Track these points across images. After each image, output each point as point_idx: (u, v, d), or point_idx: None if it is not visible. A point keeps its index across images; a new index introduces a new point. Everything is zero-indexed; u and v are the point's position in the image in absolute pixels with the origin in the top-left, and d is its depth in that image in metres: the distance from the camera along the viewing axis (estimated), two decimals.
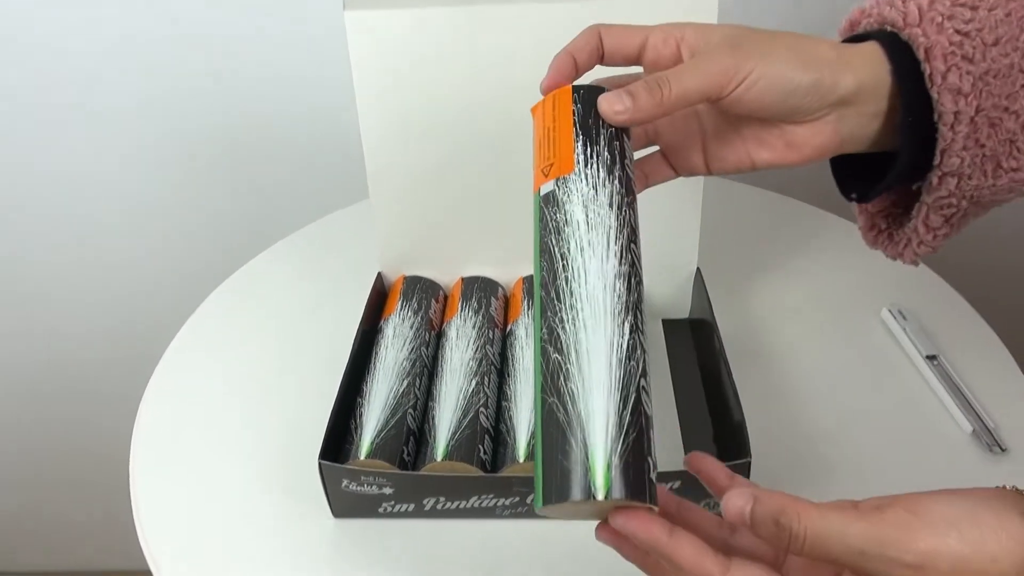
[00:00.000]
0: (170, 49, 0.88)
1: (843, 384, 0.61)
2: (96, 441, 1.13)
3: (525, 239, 0.66)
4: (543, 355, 0.35)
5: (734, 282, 0.70)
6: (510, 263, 0.67)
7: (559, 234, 0.37)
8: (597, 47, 0.41)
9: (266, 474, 0.56)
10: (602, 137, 0.39)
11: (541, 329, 0.36)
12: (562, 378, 0.34)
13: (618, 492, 0.32)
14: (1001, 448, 0.55)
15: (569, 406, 0.34)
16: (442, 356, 0.59)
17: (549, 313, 0.36)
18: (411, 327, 0.61)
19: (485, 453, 0.52)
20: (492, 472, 0.52)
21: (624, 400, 0.33)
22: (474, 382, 0.56)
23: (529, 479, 0.50)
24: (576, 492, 0.32)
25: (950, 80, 0.39)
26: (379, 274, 0.67)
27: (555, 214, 0.38)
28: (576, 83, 0.40)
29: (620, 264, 0.36)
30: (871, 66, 0.40)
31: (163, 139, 0.93)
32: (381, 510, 0.52)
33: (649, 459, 0.33)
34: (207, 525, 0.53)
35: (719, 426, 0.57)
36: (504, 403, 0.56)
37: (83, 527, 1.26)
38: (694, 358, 0.64)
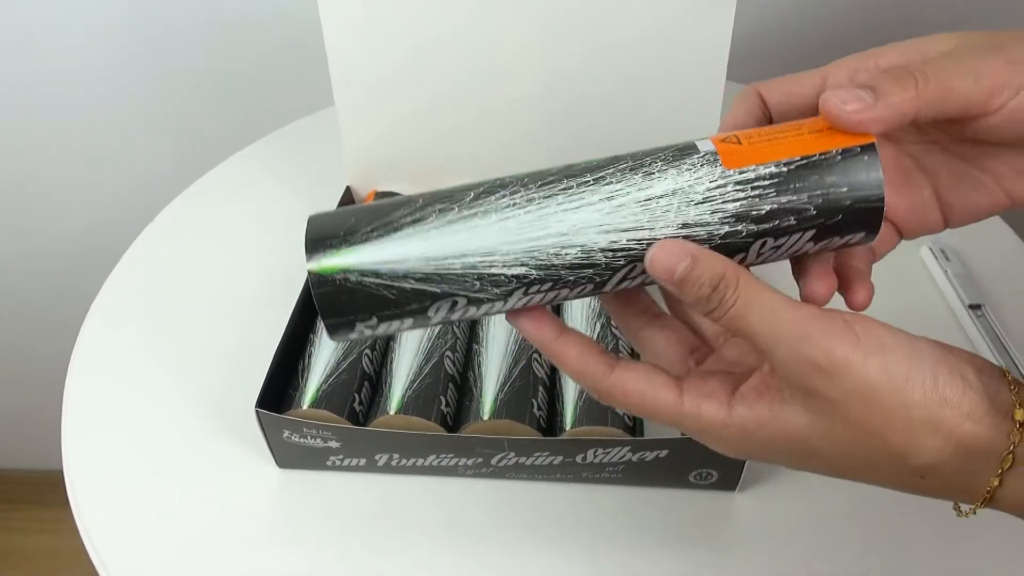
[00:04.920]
0: None
1: None
2: (41, 353, 1.08)
3: (516, 156, 0.58)
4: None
5: None
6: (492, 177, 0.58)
7: (633, 170, 0.29)
8: (760, 111, 0.33)
9: (210, 415, 0.50)
10: (790, 196, 0.29)
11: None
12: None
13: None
14: None
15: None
16: None
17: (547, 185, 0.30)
18: None
19: (447, 405, 0.45)
20: (455, 427, 0.45)
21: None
22: None
23: (493, 440, 0.43)
24: None
25: None
26: (347, 188, 0.59)
27: (663, 163, 0.29)
28: (875, 143, 0.29)
29: (603, 252, 0.29)
30: None
31: (115, 41, 0.82)
32: (329, 463, 0.46)
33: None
34: (142, 477, 0.48)
35: None
36: (475, 346, 0.49)
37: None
38: None
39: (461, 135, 0.57)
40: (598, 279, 0.29)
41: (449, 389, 0.46)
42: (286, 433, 0.44)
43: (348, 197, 0.59)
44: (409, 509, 0.45)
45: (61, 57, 0.83)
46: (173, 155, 0.90)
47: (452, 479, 0.46)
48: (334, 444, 0.45)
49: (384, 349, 0.49)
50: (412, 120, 0.56)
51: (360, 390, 0.46)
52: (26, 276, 1.03)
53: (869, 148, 0.28)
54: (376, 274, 0.29)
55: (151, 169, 0.91)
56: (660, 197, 0.29)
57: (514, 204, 0.29)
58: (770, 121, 0.33)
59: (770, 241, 0.29)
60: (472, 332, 0.50)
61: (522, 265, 0.29)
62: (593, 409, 0.44)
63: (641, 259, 0.29)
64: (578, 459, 0.43)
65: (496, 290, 0.29)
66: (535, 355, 0.47)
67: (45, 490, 1.23)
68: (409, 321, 0.30)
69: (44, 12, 0.81)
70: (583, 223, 0.29)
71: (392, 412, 0.44)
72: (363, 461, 0.46)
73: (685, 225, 0.29)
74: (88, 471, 0.48)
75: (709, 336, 0.34)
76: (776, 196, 0.28)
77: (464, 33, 0.51)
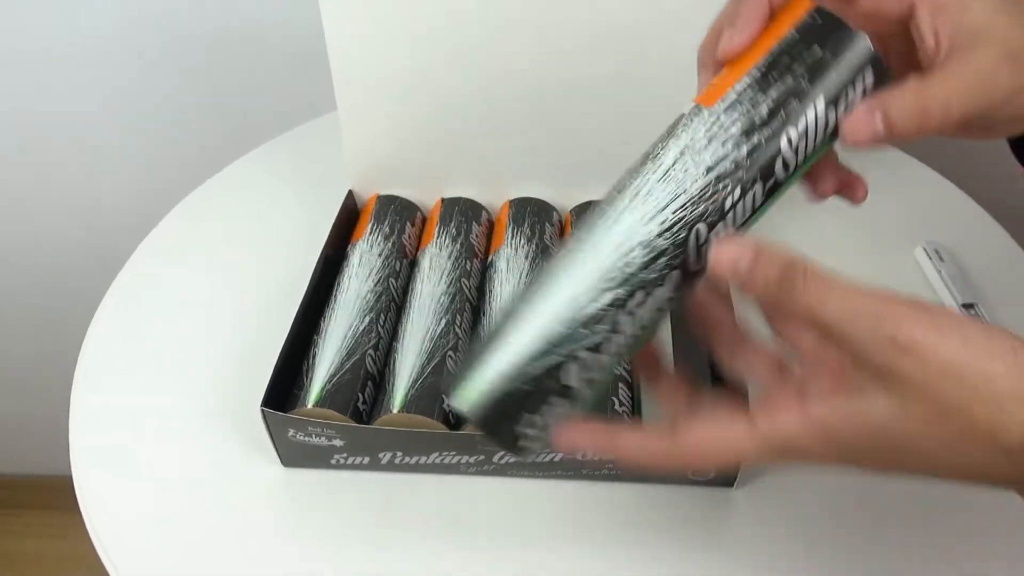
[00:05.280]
0: None
1: None
2: (46, 357, 1.08)
3: (514, 155, 0.59)
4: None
5: None
6: (497, 183, 0.59)
7: (643, 162, 0.31)
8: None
9: (216, 414, 0.51)
10: (776, 87, 0.30)
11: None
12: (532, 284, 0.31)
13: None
14: None
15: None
16: (412, 289, 0.53)
17: (583, 218, 0.32)
18: (380, 254, 0.55)
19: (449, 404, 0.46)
20: (457, 425, 0.46)
21: (548, 350, 0.30)
22: (444, 321, 0.50)
23: None
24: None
25: None
26: (350, 192, 0.60)
27: (659, 141, 0.31)
28: (819, 3, 0.30)
29: (659, 236, 0.30)
30: None
31: (118, 45, 0.83)
32: (333, 461, 0.47)
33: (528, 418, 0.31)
34: (149, 475, 0.49)
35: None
36: None
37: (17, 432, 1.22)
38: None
39: (461, 139, 0.57)
40: (677, 262, 0.30)
41: None
42: (291, 432, 0.45)
43: (350, 200, 0.60)
44: (413, 507, 0.46)
45: (64, 63, 0.84)
46: (176, 160, 0.91)
47: (455, 476, 0.47)
48: (338, 442, 0.45)
49: (387, 349, 0.50)
50: (413, 124, 0.57)
51: (364, 389, 0.47)
52: (31, 281, 1.04)
53: (815, 10, 0.29)
54: (504, 378, 0.30)
55: (155, 175, 0.92)
56: (673, 164, 0.30)
57: (569, 250, 0.31)
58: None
59: (793, 133, 0.30)
60: (474, 332, 0.51)
61: (606, 291, 0.30)
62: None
63: (695, 223, 0.29)
64: (578, 455, 0.44)
65: (602, 326, 0.30)
66: None
67: (50, 494, 1.23)
68: (557, 400, 0.31)
69: (48, 19, 0.82)
70: (629, 226, 0.30)
71: (395, 410, 0.45)
72: (367, 459, 0.47)
73: (709, 169, 0.30)
74: (96, 473, 0.49)
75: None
76: (766, 94, 0.29)
77: (464, 40, 0.52)
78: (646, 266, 0.30)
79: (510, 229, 0.56)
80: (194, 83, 0.85)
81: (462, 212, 0.58)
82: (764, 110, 0.29)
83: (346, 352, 0.48)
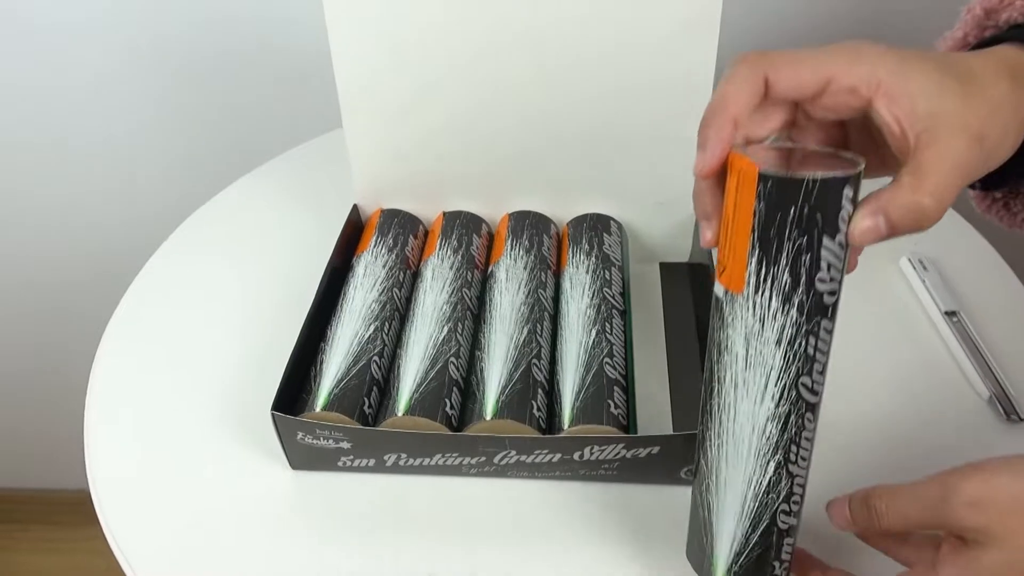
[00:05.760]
0: None
1: (851, 339, 0.56)
2: (57, 372, 1.10)
3: (513, 171, 0.61)
4: (700, 447, 0.38)
5: None
6: (496, 197, 0.62)
7: (719, 354, 0.35)
8: (760, 91, 0.33)
9: (225, 420, 0.53)
10: (784, 254, 0.32)
11: (700, 421, 0.38)
12: (705, 484, 0.38)
13: None
14: (1020, 417, 0.51)
15: (705, 512, 0.38)
16: (415, 299, 0.55)
17: (705, 418, 0.37)
18: (384, 265, 0.57)
19: (452, 408, 0.48)
20: (459, 428, 0.48)
21: (754, 526, 0.37)
22: (446, 328, 0.52)
23: (495, 438, 0.46)
24: None
25: None
26: (355, 206, 0.62)
27: (719, 328, 0.35)
28: (764, 170, 0.31)
29: (778, 406, 0.34)
30: None
31: (135, 64, 0.86)
32: (340, 464, 0.49)
33: (774, 564, 0.38)
34: (162, 481, 0.50)
35: None
36: (477, 353, 0.51)
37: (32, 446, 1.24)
38: (691, 305, 0.59)
39: (462, 155, 0.60)
40: (803, 410, 0.35)
41: (454, 393, 0.49)
42: (300, 435, 0.47)
43: (355, 215, 0.62)
44: (416, 508, 0.48)
45: (78, 81, 0.87)
46: (187, 175, 0.93)
47: (457, 478, 0.49)
48: (345, 445, 0.47)
49: (392, 356, 0.52)
50: (415, 142, 0.59)
51: (369, 394, 0.49)
52: (41, 297, 1.06)
53: (765, 181, 0.31)
54: (742, 556, 0.38)
55: (168, 189, 0.94)
56: (747, 353, 0.34)
57: (714, 446, 0.37)
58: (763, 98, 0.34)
59: (822, 274, 0.32)
60: (475, 339, 0.53)
61: (768, 463, 0.36)
62: (589, 409, 0.47)
63: (797, 379, 0.34)
64: (575, 456, 0.46)
65: (781, 483, 0.36)
66: (534, 360, 0.50)
67: (56, 509, 1.25)
68: (787, 540, 0.38)
69: (58, 38, 0.84)
70: (748, 411, 0.35)
71: (400, 414, 0.47)
72: (372, 462, 0.48)
73: (778, 342, 0.33)
74: (112, 476, 0.50)
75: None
76: (780, 267, 0.32)
77: (464, 62, 0.55)
78: (784, 429, 0.35)
79: (509, 241, 0.58)
80: (207, 102, 0.88)
81: (463, 225, 0.60)
82: (787, 278, 0.32)
83: (352, 359, 0.50)
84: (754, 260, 0.32)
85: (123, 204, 0.97)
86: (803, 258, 0.32)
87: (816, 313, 0.33)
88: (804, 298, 0.32)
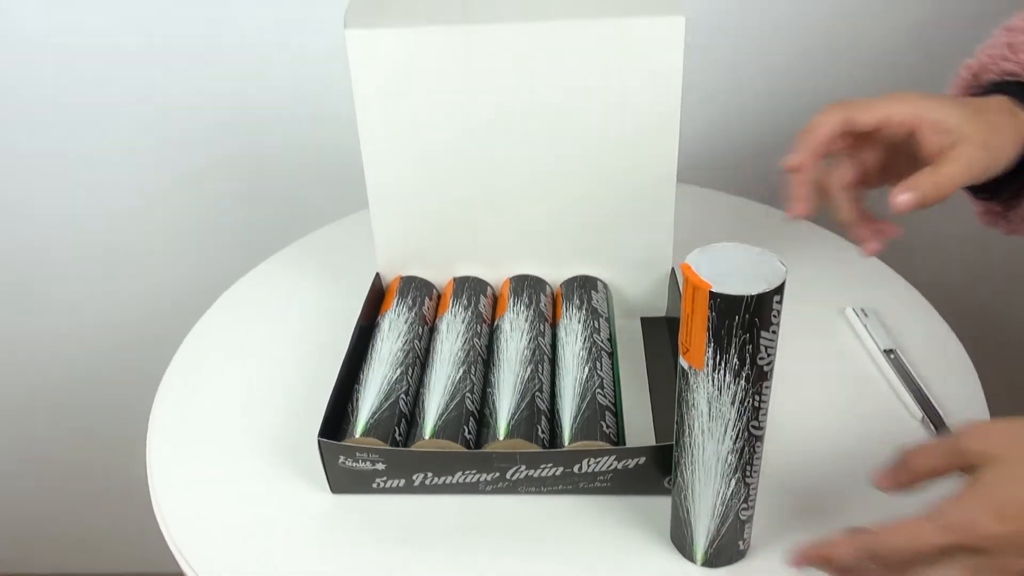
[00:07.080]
0: (177, 58, 0.94)
1: (807, 373, 0.66)
2: (105, 446, 1.19)
3: (513, 243, 0.72)
4: (677, 467, 0.49)
5: None
6: (499, 265, 0.72)
7: (688, 409, 0.46)
8: (841, 124, 0.52)
9: (272, 456, 0.61)
10: (733, 346, 0.42)
11: (675, 448, 0.49)
12: (683, 494, 0.49)
13: (711, 565, 0.51)
14: (948, 432, 0.60)
15: (684, 513, 0.50)
16: (433, 348, 0.65)
17: (679, 449, 0.48)
18: (406, 322, 0.66)
19: (469, 433, 0.57)
20: (476, 446, 0.57)
21: (723, 521, 0.49)
22: (461, 370, 0.61)
23: (507, 454, 0.55)
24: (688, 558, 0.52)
25: None
26: (377, 275, 0.72)
27: (686, 392, 0.46)
28: (714, 289, 0.41)
29: (734, 443, 0.45)
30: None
31: (168, 153, 0.99)
32: (374, 485, 0.57)
33: (739, 543, 0.50)
34: (220, 506, 0.58)
35: None
36: (488, 389, 0.61)
37: (97, 531, 1.31)
38: (670, 355, 0.69)
39: (468, 230, 0.70)
40: (755, 440, 0.46)
41: (470, 421, 0.58)
42: (341, 459, 0.56)
43: (378, 282, 0.72)
44: (442, 523, 0.56)
45: (121, 166, 0.99)
46: (227, 252, 1.05)
47: (474, 496, 0.57)
48: (380, 466, 0.56)
49: (415, 394, 0.61)
50: (430, 222, 0.70)
51: (399, 424, 0.58)
52: (88, 368, 1.15)
53: (714, 298, 0.41)
54: (711, 543, 0.50)
55: (210, 266, 1.05)
56: (710, 410, 0.44)
57: (688, 473, 0.48)
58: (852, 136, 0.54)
59: (764, 357, 0.43)
60: (486, 379, 0.62)
61: (730, 479, 0.47)
62: (586, 428, 0.56)
63: (750, 422, 0.45)
64: (575, 468, 0.55)
65: (741, 487, 0.48)
66: (537, 392, 0.59)
67: None
68: (744, 516, 0.49)
69: (103, 118, 0.96)
70: (713, 450, 0.46)
71: (427, 437, 0.56)
72: (402, 482, 0.57)
73: (731, 403, 0.44)
74: (178, 514, 0.58)
75: None
76: (729, 354, 0.42)
77: (470, 149, 0.66)
78: (740, 457, 0.46)
79: (511, 300, 0.68)
80: (241, 193, 1.00)
81: (471, 288, 0.70)
82: (735, 361, 0.43)
83: (384, 396, 0.59)
84: (710, 350, 0.43)
85: (158, 285, 1.08)
86: (747, 347, 0.42)
87: (758, 380, 0.43)
88: (749, 371, 0.43)
